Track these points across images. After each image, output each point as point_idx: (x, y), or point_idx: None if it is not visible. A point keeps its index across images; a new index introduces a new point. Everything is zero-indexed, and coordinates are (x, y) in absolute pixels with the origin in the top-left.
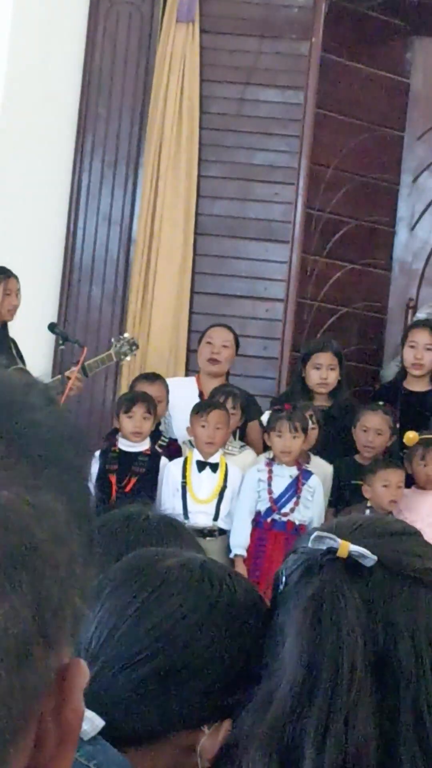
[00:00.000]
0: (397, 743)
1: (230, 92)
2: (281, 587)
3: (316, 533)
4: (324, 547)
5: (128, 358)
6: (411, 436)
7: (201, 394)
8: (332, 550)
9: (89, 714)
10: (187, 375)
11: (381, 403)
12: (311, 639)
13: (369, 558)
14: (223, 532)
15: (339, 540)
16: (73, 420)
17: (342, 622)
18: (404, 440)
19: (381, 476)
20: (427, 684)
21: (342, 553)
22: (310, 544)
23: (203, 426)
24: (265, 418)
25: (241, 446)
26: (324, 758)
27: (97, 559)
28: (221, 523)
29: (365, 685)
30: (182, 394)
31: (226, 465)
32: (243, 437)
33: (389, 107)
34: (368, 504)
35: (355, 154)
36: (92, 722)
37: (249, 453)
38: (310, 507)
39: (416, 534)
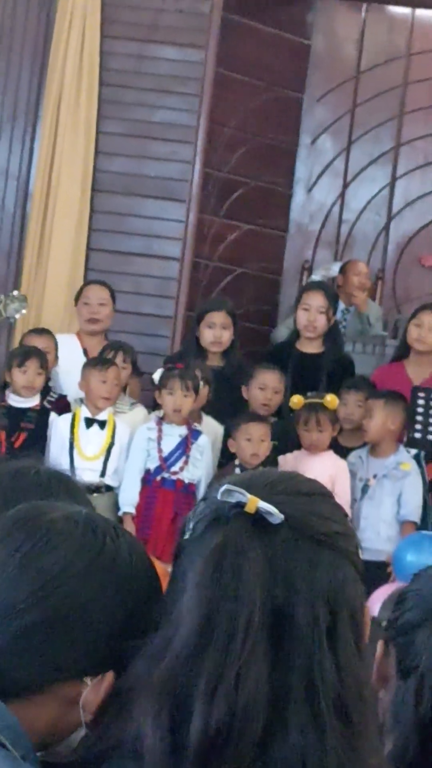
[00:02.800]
0: (287, 703)
1: (131, 49)
2: (188, 534)
3: (225, 486)
4: (233, 501)
5: (18, 316)
6: (296, 401)
7: (85, 351)
8: (241, 504)
9: None
10: None
11: (272, 365)
12: (210, 591)
13: (276, 516)
14: (110, 489)
15: (248, 495)
16: None
17: (242, 578)
18: (290, 404)
19: (244, 430)
20: (320, 647)
21: (250, 508)
22: (219, 497)
23: (103, 381)
24: (156, 376)
25: (132, 404)
26: (212, 711)
27: None
28: (108, 480)
29: (260, 642)
30: (66, 352)
31: (114, 422)
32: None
33: (289, 68)
34: (237, 462)
35: (254, 115)
36: None
37: (139, 411)
38: (199, 466)
39: (327, 495)
